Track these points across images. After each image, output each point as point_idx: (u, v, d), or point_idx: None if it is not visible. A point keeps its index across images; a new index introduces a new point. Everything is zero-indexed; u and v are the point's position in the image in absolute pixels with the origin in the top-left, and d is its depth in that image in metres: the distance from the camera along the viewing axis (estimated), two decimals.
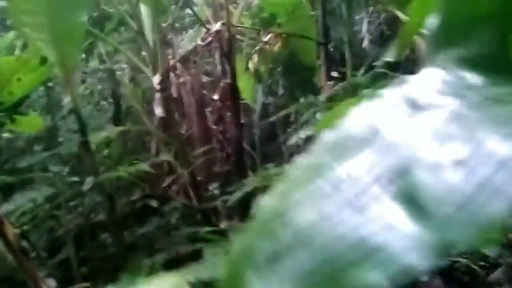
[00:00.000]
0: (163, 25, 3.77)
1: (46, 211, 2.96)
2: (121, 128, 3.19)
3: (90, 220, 3.61)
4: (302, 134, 2.32)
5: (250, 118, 4.84)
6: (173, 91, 3.94)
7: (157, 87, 2.95)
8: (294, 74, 4.23)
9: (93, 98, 5.61)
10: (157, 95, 2.97)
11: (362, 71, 2.67)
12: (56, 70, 2.13)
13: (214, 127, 4.31)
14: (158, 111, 2.97)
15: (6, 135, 4.08)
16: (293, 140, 3.42)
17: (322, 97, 2.70)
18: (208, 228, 2.53)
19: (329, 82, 3.18)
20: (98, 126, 4.82)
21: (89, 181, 2.82)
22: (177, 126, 3.21)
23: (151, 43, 2.95)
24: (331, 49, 4.02)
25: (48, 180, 3.17)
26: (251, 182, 2.76)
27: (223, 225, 2.74)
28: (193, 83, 3.90)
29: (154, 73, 3.00)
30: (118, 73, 4.35)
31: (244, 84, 4.08)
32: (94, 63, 5.28)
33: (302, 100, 4.55)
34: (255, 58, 4.12)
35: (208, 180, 3.92)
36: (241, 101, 3.81)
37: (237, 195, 2.63)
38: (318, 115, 2.83)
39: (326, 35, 3.41)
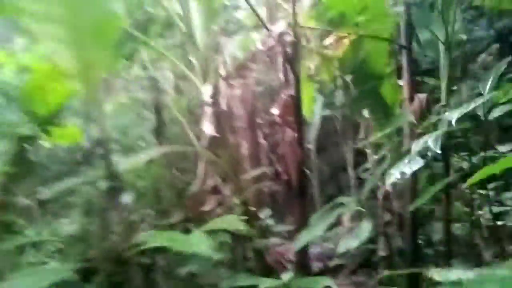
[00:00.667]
0: (214, 28, 3.26)
1: None
2: (164, 149, 2.68)
3: None
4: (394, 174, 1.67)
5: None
6: (224, 103, 3.43)
7: (208, 99, 2.42)
8: (361, 83, 3.61)
9: (136, 106, 5.22)
10: (207, 109, 2.44)
11: (488, 84, 2.01)
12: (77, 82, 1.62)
13: (264, 142, 3.78)
14: (209, 129, 2.43)
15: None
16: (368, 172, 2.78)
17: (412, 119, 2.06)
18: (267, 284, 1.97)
19: (419, 95, 2.53)
20: (140, 136, 4.40)
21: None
22: (229, 147, 2.67)
23: (202, 48, 2.44)
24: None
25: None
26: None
27: (285, 276, 2.15)
28: (245, 94, 3.37)
29: (204, 82, 2.47)
30: (162, 81, 3.90)
31: (306, 96, 3.50)
32: (136, 70, 4.89)
33: (367, 114, 3.93)
34: (314, 64, 3.54)
35: (259, 205, 3.37)
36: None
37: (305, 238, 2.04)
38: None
39: (409, 35, 2.77)
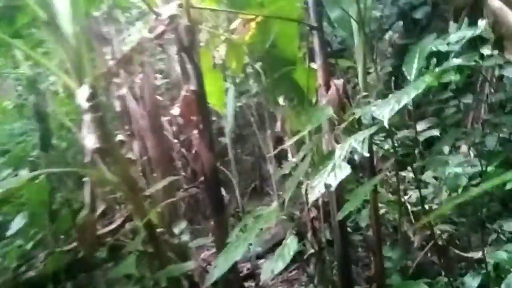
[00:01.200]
0: (96, 14, 2.69)
1: None
2: (33, 173, 2.12)
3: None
4: (318, 186, 1.32)
5: (220, 127, 3.88)
6: (117, 104, 2.89)
7: (85, 104, 1.91)
8: (272, 69, 3.28)
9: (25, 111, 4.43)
10: (86, 116, 1.93)
11: (413, 68, 1.73)
12: None
13: (176, 143, 3.31)
14: (90, 140, 1.92)
15: None
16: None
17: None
18: None
19: (336, 81, 2.23)
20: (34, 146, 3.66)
21: None
22: (121, 158, 2.18)
23: (72, 41, 1.90)
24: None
25: None
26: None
27: None
28: (142, 91, 2.87)
29: (80, 84, 1.95)
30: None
31: (211, 86, 3.08)
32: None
33: (283, 102, 3.63)
34: (222, 51, 3.14)
35: (175, 218, 2.93)
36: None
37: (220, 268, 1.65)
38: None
39: (319, 14, 2.46)
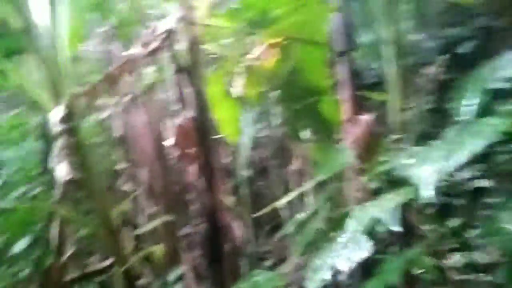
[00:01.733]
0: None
1: None
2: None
3: None
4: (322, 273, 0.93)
5: (233, 161, 3.51)
6: (119, 129, 2.58)
7: (58, 127, 1.58)
8: (294, 99, 2.89)
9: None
10: (59, 142, 1.60)
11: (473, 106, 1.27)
12: None
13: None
14: (62, 171, 1.59)
15: None
16: None
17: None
18: None
19: (363, 117, 1.82)
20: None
21: None
22: (100, 192, 1.83)
23: (49, 52, 1.60)
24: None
25: None
26: None
27: None
28: (149, 115, 2.56)
29: (56, 103, 1.64)
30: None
31: (225, 115, 2.73)
32: None
33: (307, 136, 3.21)
34: (240, 79, 2.79)
35: (170, 262, 2.54)
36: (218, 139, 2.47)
37: None
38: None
39: (348, 39, 2.08)
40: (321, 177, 1.24)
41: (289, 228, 1.36)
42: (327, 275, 0.87)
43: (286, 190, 4.21)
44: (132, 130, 2.46)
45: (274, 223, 5.20)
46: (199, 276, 2.75)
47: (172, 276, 2.30)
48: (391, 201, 0.91)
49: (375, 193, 1.77)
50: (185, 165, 1.93)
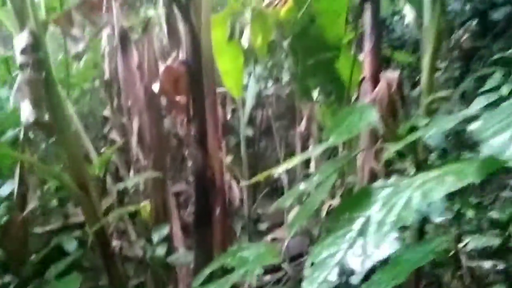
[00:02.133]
0: None
1: None
2: None
3: None
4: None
5: (234, 117, 3.23)
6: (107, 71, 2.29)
7: (21, 58, 1.30)
8: (308, 53, 2.57)
9: None
10: (22, 75, 1.32)
11: None
12: None
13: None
14: (25, 111, 1.32)
15: None
16: None
17: None
18: None
19: (388, 74, 1.51)
20: None
21: None
22: (72, 139, 1.57)
23: None
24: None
25: None
26: None
27: None
28: (141, 58, 2.25)
29: (21, 29, 1.35)
30: None
31: (228, 65, 2.43)
32: None
33: (318, 95, 2.90)
34: (247, 25, 2.45)
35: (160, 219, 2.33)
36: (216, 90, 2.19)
37: None
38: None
39: None
40: (331, 141, 0.98)
41: (289, 197, 1.13)
42: (333, 275, 0.62)
43: (290, 154, 3.97)
44: (123, 73, 2.17)
45: (274, 186, 5.01)
46: (188, 238, 2.57)
47: (158, 236, 2.09)
48: (441, 182, 0.64)
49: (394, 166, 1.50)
50: (175, 115, 1.66)
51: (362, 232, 0.67)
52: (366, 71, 1.73)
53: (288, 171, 4.74)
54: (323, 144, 1.11)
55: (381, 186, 0.76)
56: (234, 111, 3.77)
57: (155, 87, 1.65)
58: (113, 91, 2.26)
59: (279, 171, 1.01)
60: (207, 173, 1.75)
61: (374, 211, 0.67)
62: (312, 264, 0.65)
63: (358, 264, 0.62)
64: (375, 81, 1.70)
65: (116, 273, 1.60)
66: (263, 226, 4.25)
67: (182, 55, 1.57)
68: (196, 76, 1.59)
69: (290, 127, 4.68)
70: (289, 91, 3.74)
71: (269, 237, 3.92)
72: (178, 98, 1.59)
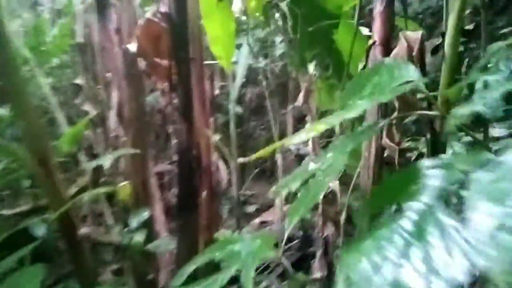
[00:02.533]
0: None
1: None
2: None
3: None
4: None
5: (222, 94, 2.98)
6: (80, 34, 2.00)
7: None
8: (307, 21, 2.32)
9: None
10: None
11: None
12: None
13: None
14: None
15: None
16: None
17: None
18: None
19: (409, 34, 1.28)
20: None
21: None
22: (30, 109, 1.31)
23: None
24: None
25: None
26: None
27: None
28: (120, 20, 1.97)
29: None
30: None
31: (217, 30, 2.17)
32: None
33: (312, 69, 2.66)
34: None
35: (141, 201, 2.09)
36: (207, 61, 1.94)
37: None
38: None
39: None
40: (355, 110, 0.75)
41: (295, 179, 0.91)
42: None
43: (281, 134, 3.74)
44: (99, 36, 1.89)
45: (262, 167, 4.80)
46: (171, 222, 2.34)
47: (137, 221, 1.86)
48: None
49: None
50: (155, 82, 1.41)
51: (420, 233, 0.45)
52: (377, 35, 1.49)
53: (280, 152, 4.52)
54: (337, 115, 0.87)
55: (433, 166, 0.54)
56: (222, 87, 3.51)
57: (132, 47, 1.39)
58: (86, 56, 1.97)
59: (276, 145, 0.77)
60: (192, 150, 1.51)
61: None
62: (349, 281, 0.43)
63: (422, 285, 0.40)
64: (387, 46, 1.46)
65: (83, 262, 1.37)
66: (251, 209, 4.06)
67: (163, 7, 1.31)
68: (181, 34, 1.33)
69: (281, 105, 4.45)
70: (281, 66, 3.49)
71: (257, 220, 3.73)
72: (159, 60, 1.33)
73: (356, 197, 2.10)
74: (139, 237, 1.72)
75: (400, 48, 1.23)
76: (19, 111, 1.21)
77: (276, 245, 1.12)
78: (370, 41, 1.52)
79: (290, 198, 3.91)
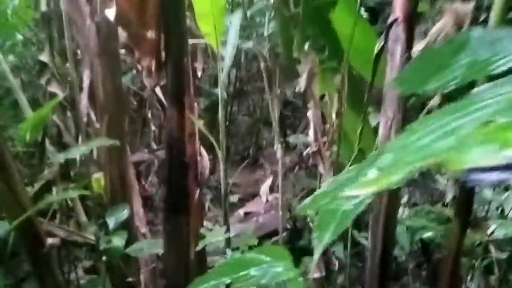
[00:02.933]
0: None
1: None
2: None
3: None
4: None
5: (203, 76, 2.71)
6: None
7: None
8: None
9: None
10: None
11: None
12: None
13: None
14: None
15: None
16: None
17: None
18: None
19: (459, 8, 1.06)
20: None
21: None
22: None
23: None
24: None
25: None
26: None
27: None
28: None
29: None
30: None
31: (206, 4, 1.90)
32: None
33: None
34: None
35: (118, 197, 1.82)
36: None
37: None
38: None
39: None
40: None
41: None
42: None
43: (267, 120, 3.53)
44: (67, 4, 1.59)
45: (244, 154, 4.58)
46: (148, 215, 2.09)
47: (114, 220, 1.60)
48: None
49: None
50: (138, 58, 1.15)
51: None
52: (399, 10, 1.28)
53: (264, 139, 4.31)
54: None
55: None
56: (203, 70, 3.24)
57: (110, 13, 1.12)
58: (52, 30, 1.67)
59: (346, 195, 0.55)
60: (184, 141, 1.27)
61: None
62: None
63: None
64: (411, 23, 1.26)
65: (51, 282, 1.12)
66: (233, 199, 3.84)
67: None
68: (170, 3, 1.07)
69: (264, 90, 4.21)
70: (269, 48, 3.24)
71: (241, 211, 3.52)
72: (143, 31, 1.07)
73: None
74: (119, 241, 1.48)
75: (446, 23, 1.02)
76: None
77: (292, 258, 0.91)
78: (391, 18, 1.32)
79: (275, 188, 3.69)
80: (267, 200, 3.57)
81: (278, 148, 1.98)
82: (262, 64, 2.99)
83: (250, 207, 3.55)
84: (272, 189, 3.72)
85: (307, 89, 1.74)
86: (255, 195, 3.76)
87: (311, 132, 1.74)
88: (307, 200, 0.80)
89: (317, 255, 0.75)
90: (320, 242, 0.75)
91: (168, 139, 1.26)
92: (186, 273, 1.30)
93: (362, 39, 1.93)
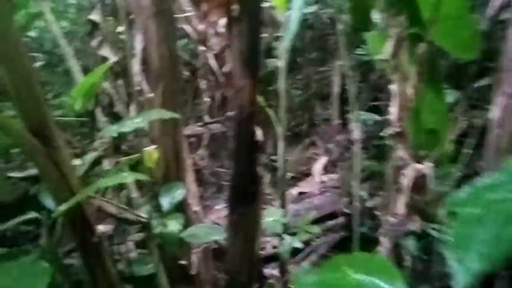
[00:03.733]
0: None
1: None
2: None
3: None
4: None
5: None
6: None
7: None
8: None
9: None
10: None
11: None
12: None
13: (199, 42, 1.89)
14: None
15: None
16: None
17: None
18: None
19: None
20: None
21: None
22: (23, 65, 0.84)
23: None
24: None
25: None
26: None
27: None
28: None
29: None
30: None
31: None
32: None
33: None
34: None
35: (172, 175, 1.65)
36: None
37: None
38: None
39: None
40: None
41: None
42: None
43: (323, 94, 3.25)
44: None
45: (296, 130, 4.33)
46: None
47: (169, 199, 1.43)
48: None
49: None
50: (206, 12, 0.92)
51: None
52: None
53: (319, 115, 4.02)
54: None
55: None
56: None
57: None
58: None
59: None
60: (254, 119, 1.04)
61: None
62: None
63: None
64: None
65: (104, 275, 0.96)
66: (287, 176, 3.62)
67: None
68: None
69: (321, 61, 3.90)
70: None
71: (294, 191, 3.31)
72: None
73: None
74: (174, 226, 1.30)
75: None
76: (5, 62, 0.74)
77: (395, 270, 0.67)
78: None
79: (329, 167, 3.41)
80: (321, 181, 3.32)
81: (354, 127, 1.72)
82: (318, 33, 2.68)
83: (303, 186, 3.33)
84: (326, 169, 3.46)
85: (394, 57, 1.45)
86: (306, 174, 3.53)
87: (394, 109, 1.46)
88: (463, 191, 0.56)
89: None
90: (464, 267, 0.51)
91: (238, 115, 1.04)
92: (250, 268, 1.11)
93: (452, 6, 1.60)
